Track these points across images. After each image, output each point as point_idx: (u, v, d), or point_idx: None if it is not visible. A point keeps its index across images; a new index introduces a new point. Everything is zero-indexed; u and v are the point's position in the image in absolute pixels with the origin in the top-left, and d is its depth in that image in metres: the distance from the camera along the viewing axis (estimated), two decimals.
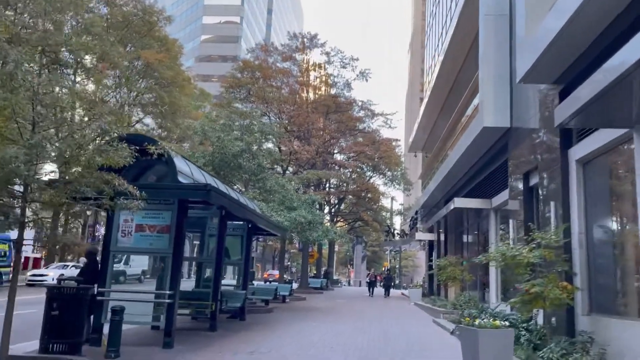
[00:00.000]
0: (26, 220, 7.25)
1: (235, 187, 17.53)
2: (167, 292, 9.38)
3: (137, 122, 38.99)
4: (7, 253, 26.60)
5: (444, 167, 22.22)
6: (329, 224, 19.13)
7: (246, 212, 12.46)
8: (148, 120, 41.72)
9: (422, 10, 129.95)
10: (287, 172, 26.29)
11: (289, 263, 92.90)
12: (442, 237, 26.72)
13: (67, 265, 31.48)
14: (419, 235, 29.62)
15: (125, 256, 36.40)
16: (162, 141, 10.59)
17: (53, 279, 29.08)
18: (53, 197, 6.48)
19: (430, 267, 30.15)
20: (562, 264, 9.23)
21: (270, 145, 24.88)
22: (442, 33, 30.84)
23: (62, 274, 31.02)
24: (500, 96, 14.11)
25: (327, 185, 34.63)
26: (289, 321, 14.79)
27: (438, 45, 32.33)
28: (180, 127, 22.03)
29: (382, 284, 41.45)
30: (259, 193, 17.21)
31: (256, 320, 14.71)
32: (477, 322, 8.14)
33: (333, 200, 44.04)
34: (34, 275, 30.13)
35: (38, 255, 52.47)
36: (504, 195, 15.25)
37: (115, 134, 7.36)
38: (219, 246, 12.31)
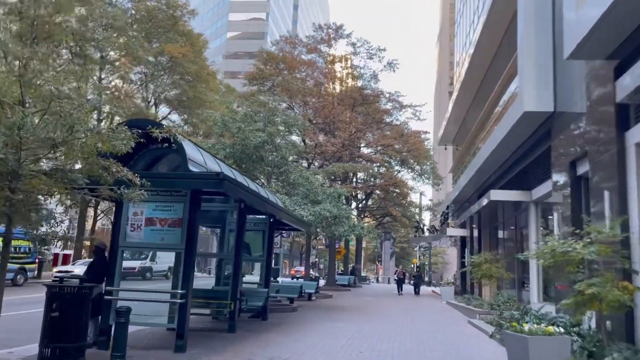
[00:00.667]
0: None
1: (257, 180, 16.76)
2: (179, 291, 8.62)
3: (163, 118, 38.78)
4: (32, 250, 26.50)
5: (477, 160, 21.02)
6: (355, 219, 18.19)
7: (266, 205, 11.64)
8: (174, 116, 41.50)
9: (450, 2, 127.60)
10: (313, 166, 25.32)
11: (316, 260, 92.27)
12: (475, 233, 25.47)
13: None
14: (450, 230, 28.37)
15: (151, 252, 36.29)
16: (189, 137, 10.07)
17: None
18: (42, 185, 5.75)
19: (462, 264, 28.89)
20: (623, 261, 8.09)
21: (294, 137, 24.06)
22: (473, 20, 29.56)
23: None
24: (542, 78, 12.91)
25: (354, 179, 33.51)
26: (314, 321, 13.94)
27: (469, 33, 31.04)
28: (200, 117, 21.28)
29: (411, 281, 40.12)
30: (282, 186, 16.38)
31: (279, 320, 13.92)
32: (526, 327, 7.12)
33: (360, 195, 43.06)
34: (59, 271, 30.04)
35: (69, 252, 53.09)
36: (545, 187, 14.05)
37: (117, 118, 6.62)
38: (238, 241, 11.53)
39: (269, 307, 16.00)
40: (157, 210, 9.07)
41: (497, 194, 15.88)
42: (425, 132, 38.04)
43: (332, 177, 25.63)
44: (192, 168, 8.36)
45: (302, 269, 69.92)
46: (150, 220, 9.07)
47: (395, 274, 35.70)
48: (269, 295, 14.15)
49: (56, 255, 49.09)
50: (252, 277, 15.70)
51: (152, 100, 37.96)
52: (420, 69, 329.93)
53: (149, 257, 36.21)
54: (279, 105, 19.89)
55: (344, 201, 29.24)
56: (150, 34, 34.77)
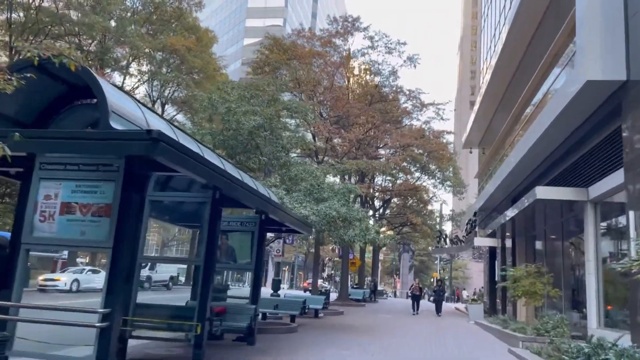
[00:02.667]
0: None
1: (252, 173, 14.01)
2: (101, 310, 5.84)
3: (171, 119, 36.46)
4: None
5: (512, 159, 18.02)
6: (370, 221, 15.42)
7: (248, 194, 8.82)
8: (180, 117, 39.13)
9: (472, 10, 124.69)
10: (322, 164, 22.53)
11: (332, 272, 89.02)
12: (508, 243, 22.30)
13: (84, 270, 28.80)
14: (478, 240, 25.20)
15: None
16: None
17: (65, 285, 26.45)
18: None
19: (491, 279, 25.66)
20: None
21: (304, 132, 21.26)
22: (499, 20, 26.74)
23: (76, 279, 28.51)
24: (610, 38, 9.95)
25: (371, 179, 30.27)
26: (314, 347, 11.04)
27: (495, 34, 28.23)
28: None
29: (431, 298, 35.14)
30: (281, 181, 13.64)
31: (270, 344, 11.04)
32: None
33: (377, 203, 40.01)
34: (46, 279, 27.51)
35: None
36: (609, 182, 11.01)
37: None
38: (209, 243, 8.71)
39: (262, 327, 13.14)
40: (77, 192, 6.34)
41: (544, 192, 12.82)
42: (450, 133, 34.89)
43: (345, 177, 22.74)
44: (116, 125, 5.61)
45: (318, 281, 66.80)
46: (67, 206, 6.33)
47: (410, 289, 29.58)
48: (258, 313, 11.30)
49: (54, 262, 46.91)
50: (240, 290, 12.86)
51: (157, 100, 35.68)
52: (440, 76, 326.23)
53: (148, 265, 33.64)
54: (281, 94, 17.04)
55: (357, 200, 26.27)
56: (154, 27, 32.61)
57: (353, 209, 14.84)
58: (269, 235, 17.58)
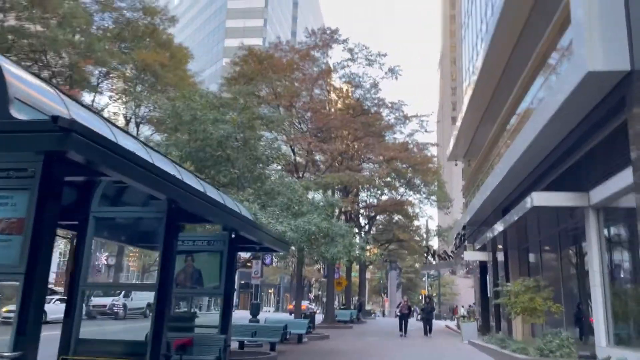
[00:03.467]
0: None
1: (225, 189, 12.75)
2: (7, 354, 4.52)
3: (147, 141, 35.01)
4: None
5: (501, 168, 17.09)
6: (354, 237, 14.20)
7: (211, 209, 7.57)
8: (157, 136, 37.66)
9: (451, 29, 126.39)
10: (302, 178, 21.24)
11: (319, 292, 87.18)
12: (501, 256, 21.24)
13: (52, 299, 26.98)
14: (468, 255, 24.11)
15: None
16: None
17: None
18: None
19: (484, 295, 24.52)
20: None
21: (282, 147, 20.11)
22: (481, 28, 26.35)
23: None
24: (611, 25, 9.04)
25: (355, 194, 28.77)
26: None
27: (479, 33, 27.81)
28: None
29: (419, 316, 31.08)
30: (255, 195, 12.39)
31: None
32: None
33: (363, 221, 38.88)
34: (9, 311, 25.48)
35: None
36: (613, 185, 10.02)
37: None
38: (164, 265, 7.40)
39: (238, 358, 11.80)
40: None
41: (541, 198, 11.78)
42: (434, 145, 34.02)
43: (327, 192, 21.58)
44: (18, 114, 4.37)
45: (305, 302, 65.09)
46: None
47: (397, 307, 25.82)
48: (229, 344, 9.96)
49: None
50: (210, 316, 11.48)
51: (131, 119, 34.31)
52: (421, 89, 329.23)
53: (122, 293, 31.87)
54: (254, 103, 15.88)
55: (341, 217, 25.04)
56: (126, 44, 31.42)
57: (335, 224, 13.64)
58: (243, 255, 16.28)
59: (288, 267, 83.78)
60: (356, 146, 26.33)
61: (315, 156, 23.61)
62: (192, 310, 10.90)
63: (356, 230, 31.45)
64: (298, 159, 24.85)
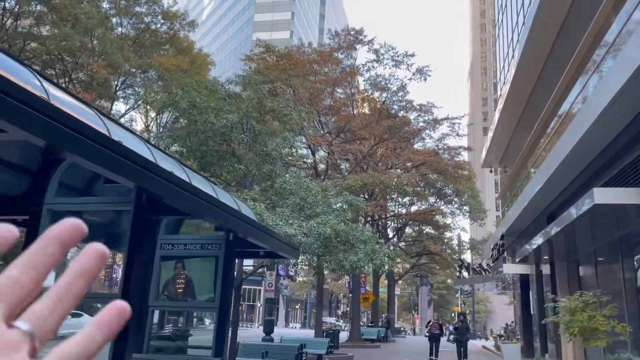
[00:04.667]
0: None
1: (229, 188, 11.14)
2: None
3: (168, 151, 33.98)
4: None
5: (548, 165, 15.06)
6: (376, 242, 12.32)
7: (200, 203, 6.00)
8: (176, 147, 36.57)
9: (481, 37, 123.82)
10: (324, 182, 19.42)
11: (347, 309, 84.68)
12: (546, 269, 18.99)
13: None
14: (508, 267, 21.82)
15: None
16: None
17: None
18: None
19: (526, 312, 22.16)
20: None
21: (301, 148, 18.44)
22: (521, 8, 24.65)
23: None
24: None
25: (381, 198, 26.44)
26: None
27: (515, 27, 26.07)
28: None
29: (452, 337, 26.31)
30: (262, 194, 10.75)
31: None
32: None
33: (391, 232, 36.82)
34: None
35: None
36: None
37: None
38: (129, 269, 5.79)
39: None
40: None
41: (605, 194, 9.73)
42: (467, 149, 31.84)
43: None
44: None
45: (330, 319, 62.90)
46: None
47: (427, 326, 21.86)
48: None
49: None
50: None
51: (151, 125, 33.35)
52: (451, 101, 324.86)
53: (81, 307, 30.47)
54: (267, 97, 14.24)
55: (364, 223, 23.08)
56: (145, 49, 30.53)
57: (356, 228, 11.85)
58: (249, 264, 14.59)
59: (315, 282, 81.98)
60: (380, 150, 24.41)
61: (337, 160, 21.80)
62: (185, 328, 9.23)
63: (383, 240, 29.41)
64: (320, 164, 23.16)
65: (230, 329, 13.33)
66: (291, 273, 64.68)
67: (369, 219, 27.58)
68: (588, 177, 13.42)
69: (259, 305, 79.32)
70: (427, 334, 20.97)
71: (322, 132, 22.34)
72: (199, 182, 7.90)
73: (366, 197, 23.14)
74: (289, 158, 14.04)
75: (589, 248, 15.08)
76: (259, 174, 11.64)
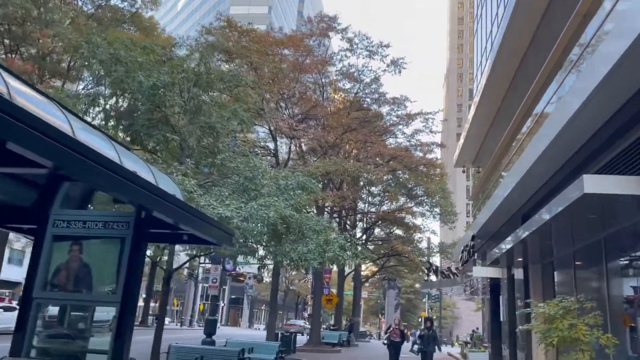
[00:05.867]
0: None
1: (159, 161, 9.38)
2: None
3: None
4: None
5: (526, 159, 13.76)
6: (334, 234, 10.69)
7: (88, 165, 4.33)
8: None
9: (459, 43, 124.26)
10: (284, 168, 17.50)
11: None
12: (519, 273, 17.73)
13: None
14: (478, 270, 20.52)
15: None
16: None
17: None
18: None
19: (495, 318, 20.91)
20: None
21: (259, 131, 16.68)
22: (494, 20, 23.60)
23: None
24: None
25: (344, 190, 24.55)
26: None
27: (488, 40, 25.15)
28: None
29: (416, 347, 20.53)
30: (199, 170, 9.06)
31: None
32: None
33: (359, 233, 35.37)
34: None
35: None
36: None
37: None
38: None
39: None
40: None
41: (596, 183, 8.33)
42: (440, 145, 30.57)
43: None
44: None
45: (299, 322, 60.96)
46: None
47: (386, 332, 18.97)
48: None
49: None
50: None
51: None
52: (425, 104, 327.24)
53: None
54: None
55: (326, 214, 21.40)
56: (102, 25, 28.32)
57: (310, 217, 10.24)
58: (181, 249, 12.81)
59: (282, 283, 79.97)
60: (349, 143, 22.83)
61: (301, 145, 20.09)
62: (82, 327, 7.44)
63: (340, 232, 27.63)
64: (284, 154, 21.49)
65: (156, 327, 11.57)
66: (249, 272, 62.45)
67: (335, 215, 26.04)
68: (567, 174, 12.12)
69: (223, 305, 77.11)
70: (385, 341, 17.72)
71: (284, 115, 20.63)
72: (98, 141, 6.19)
73: (331, 187, 21.48)
74: (240, 138, 12.34)
75: (567, 250, 13.80)
76: (198, 149, 9.95)
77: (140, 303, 58.36)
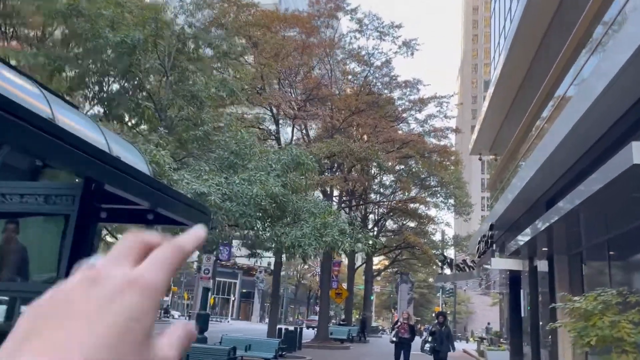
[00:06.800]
0: None
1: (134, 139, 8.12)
2: None
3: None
4: None
5: (551, 138, 12.34)
6: (331, 218, 9.29)
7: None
8: None
9: (474, 33, 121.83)
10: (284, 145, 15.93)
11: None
12: (543, 265, 16.27)
13: None
14: (496, 262, 18.99)
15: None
16: None
17: None
18: None
19: (515, 314, 19.45)
20: None
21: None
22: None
23: None
24: None
25: (354, 173, 22.61)
26: None
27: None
28: None
29: (427, 346, 15.56)
30: (168, 139, 7.80)
31: None
32: None
33: (371, 224, 34.00)
34: None
35: None
36: None
37: None
38: None
39: None
40: None
41: None
42: (455, 130, 29.01)
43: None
44: None
45: (314, 318, 59.70)
46: None
47: (393, 327, 16.30)
48: None
49: None
50: None
51: None
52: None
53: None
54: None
55: (334, 204, 19.95)
56: None
57: (306, 198, 8.94)
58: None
59: (293, 277, 78.72)
60: (357, 124, 21.34)
61: (302, 124, 18.61)
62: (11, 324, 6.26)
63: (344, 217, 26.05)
64: (288, 137, 20.15)
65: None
66: (260, 266, 61.28)
67: (343, 205, 24.74)
68: (595, 157, 10.67)
69: (233, 299, 76.26)
70: (393, 339, 15.04)
71: (287, 94, 19.23)
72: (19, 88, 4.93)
73: (329, 165, 19.83)
74: (235, 116, 11.04)
75: (599, 239, 12.33)
76: (180, 120, 8.70)
77: None
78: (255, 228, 7.82)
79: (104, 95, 8.34)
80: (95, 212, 5.86)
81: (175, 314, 55.30)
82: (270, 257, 28.79)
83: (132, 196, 5.37)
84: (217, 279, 73.27)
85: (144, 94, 8.51)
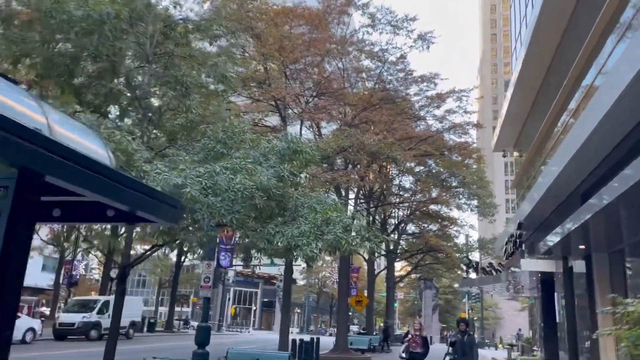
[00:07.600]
0: None
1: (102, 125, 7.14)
2: None
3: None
4: None
5: (583, 126, 11.05)
6: (335, 213, 8.15)
7: None
8: None
9: (492, 32, 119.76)
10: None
11: (350, 314, 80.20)
12: (579, 265, 14.82)
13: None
14: (526, 263, 17.52)
15: (100, 303, 26.47)
16: None
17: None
18: None
19: (549, 319, 17.95)
20: None
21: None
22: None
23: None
24: None
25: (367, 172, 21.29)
26: None
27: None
28: None
29: (448, 358, 13.16)
30: (139, 124, 6.81)
31: None
32: None
33: (390, 229, 32.66)
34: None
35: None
36: None
37: None
38: None
39: None
40: None
41: None
42: (476, 125, 27.58)
43: (325, 163, 15.11)
44: None
45: (354, 327, 58.09)
46: None
47: (403, 340, 14.71)
48: None
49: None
50: None
51: None
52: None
53: (97, 309, 26.62)
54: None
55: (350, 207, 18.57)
56: None
57: (309, 195, 7.82)
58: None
59: (314, 285, 77.38)
60: (371, 121, 20.09)
61: (310, 117, 17.35)
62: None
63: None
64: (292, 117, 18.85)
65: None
66: (281, 274, 60.23)
67: (359, 207, 23.49)
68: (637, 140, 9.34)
69: (254, 308, 75.29)
70: (403, 354, 13.03)
71: (289, 84, 18.08)
72: None
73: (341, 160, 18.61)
74: (234, 110, 10.02)
75: None
76: (164, 109, 7.71)
77: (164, 308, 57.16)
78: (245, 228, 6.74)
79: (76, 81, 7.47)
80: (35, 207, 4.77)
81: (195, 324, 54.46)
82: (279, 264, 27.71)
83: (82, 189, 4.31)
84: (238, 288, 72.56)
85: (122, 79, 7.61)
